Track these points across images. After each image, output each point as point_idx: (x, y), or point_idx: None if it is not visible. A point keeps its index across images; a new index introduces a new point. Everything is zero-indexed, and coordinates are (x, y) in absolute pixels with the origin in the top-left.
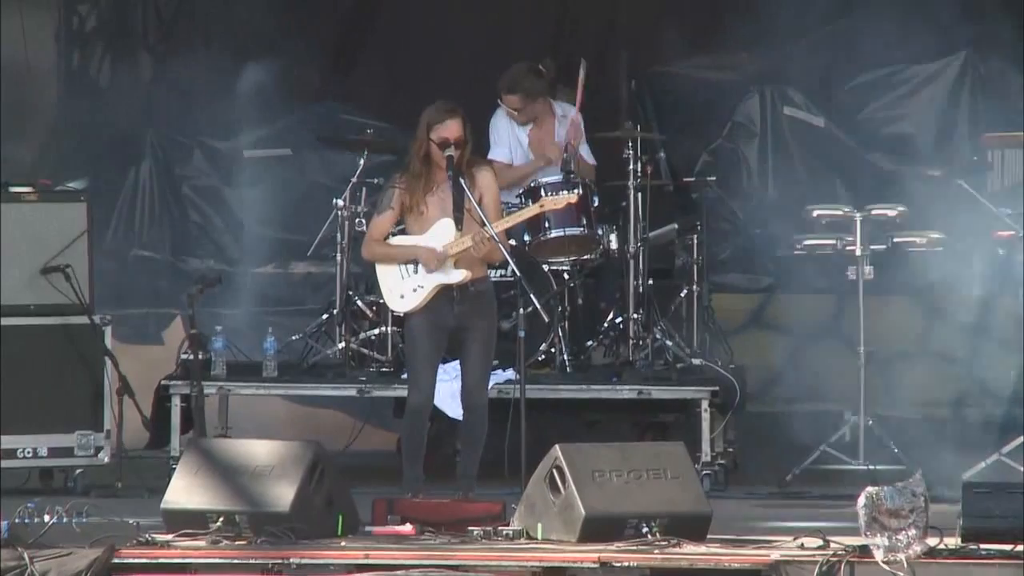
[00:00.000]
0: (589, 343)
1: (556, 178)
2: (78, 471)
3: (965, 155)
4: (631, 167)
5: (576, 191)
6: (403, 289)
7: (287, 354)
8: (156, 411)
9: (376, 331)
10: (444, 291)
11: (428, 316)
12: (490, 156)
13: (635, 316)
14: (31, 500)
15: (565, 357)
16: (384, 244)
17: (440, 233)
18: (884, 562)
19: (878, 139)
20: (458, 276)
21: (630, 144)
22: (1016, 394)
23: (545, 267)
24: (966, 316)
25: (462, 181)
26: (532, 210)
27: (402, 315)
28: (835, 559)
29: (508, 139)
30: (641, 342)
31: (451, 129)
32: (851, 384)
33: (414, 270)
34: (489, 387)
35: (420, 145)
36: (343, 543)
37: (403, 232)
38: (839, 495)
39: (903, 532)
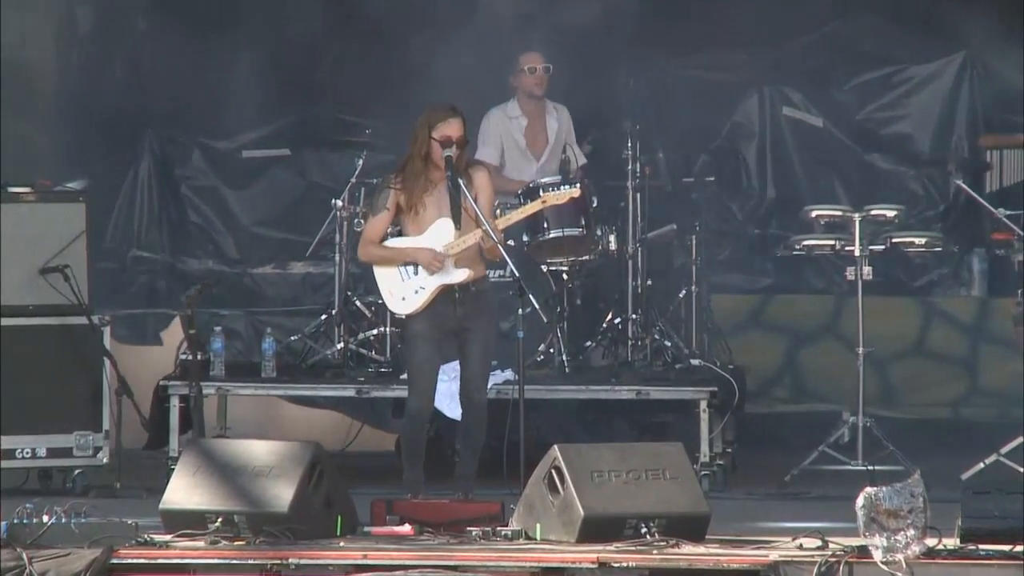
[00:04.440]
0: (588, 343)
1: (555, 179)
2: (77, 471)
3: (963, 155)
4: (630, 167)
5: (577, 185)
6: (404, 291)
7: (286, 354)
8: (155, 411)
9: (375, 331)
10: (446, 292)
11: (430, 319)
12: (477, 156)
13: (634, 316)
14: (30, 500)
15: (564, 357)
16: (381, 246)
17: (439, 233)
18: (883, 562)
19: (877, 139)
20: (460, 275)
21: (629, 144)
22: (1015, 394)
23: (544, 267)
24: (964, 316)
25: (462, 182)
26: (534, 206)
27: (403, 317)
28: (834, 559)
29: (498, 140)
30: (640, 342)
31: (454, 127)
32: (850, 384)
33: (414, 272)
34: (488, 387)
35: (420, 144)
36: (342, 543)
37: (399, 233)
38: (838, 495)
39: (902, 532)
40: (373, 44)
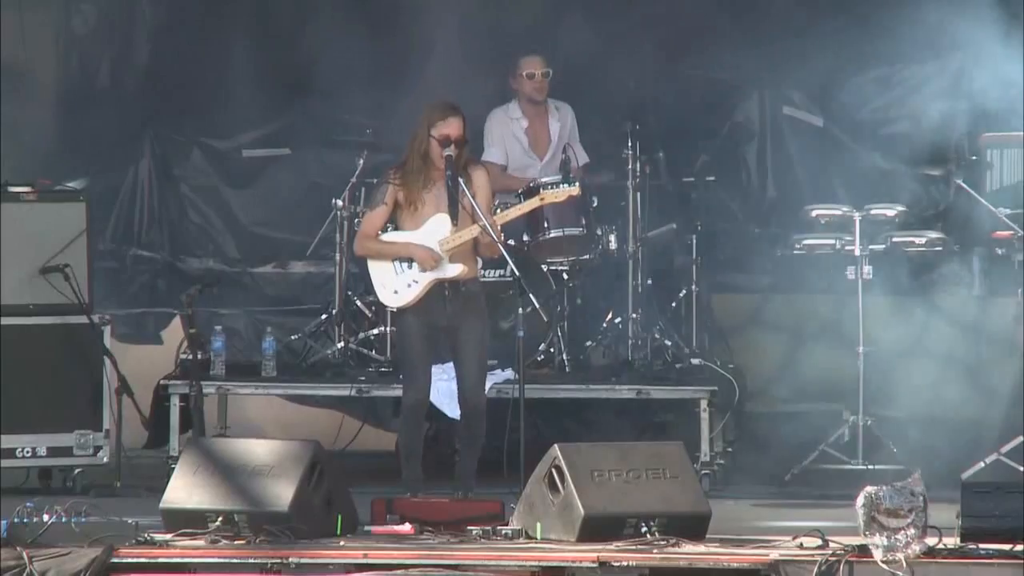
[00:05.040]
0: (588, 343)
1: (555, 178)
2: (77, 470)
3: (964, 154)
4: (630, 167)
5: (576, 184)
6: (397, 284)
7: (286, 354)
8: (155, 411)
9: (375, 331)
10: (437, 288)
11: (421, 314)
12: (484, 158)
13: (634, 316)
14: (30, 499)
15: (564, 357)
16: (377, 240)
17: (435, 228)
18: (883, 562)
19: (877, 138)
20: (454, 270)
21: (629, 144)
22: (1015, 394)
23: (544, 267)
24: (965, 316)
25: (460, 180)
26: (532, 203)
27: (394, 311)
28: (834, 559)
29: (503, 140)
30: (640, 342)
31: (453, 127)
32: (850, 384)
33: (408, 265)
34: (488, 387)
35: (420, 142)
36: (342, 543)
37: (395, 228)
38: (838, 495)
39: (902, 532)
40: (374, 43)
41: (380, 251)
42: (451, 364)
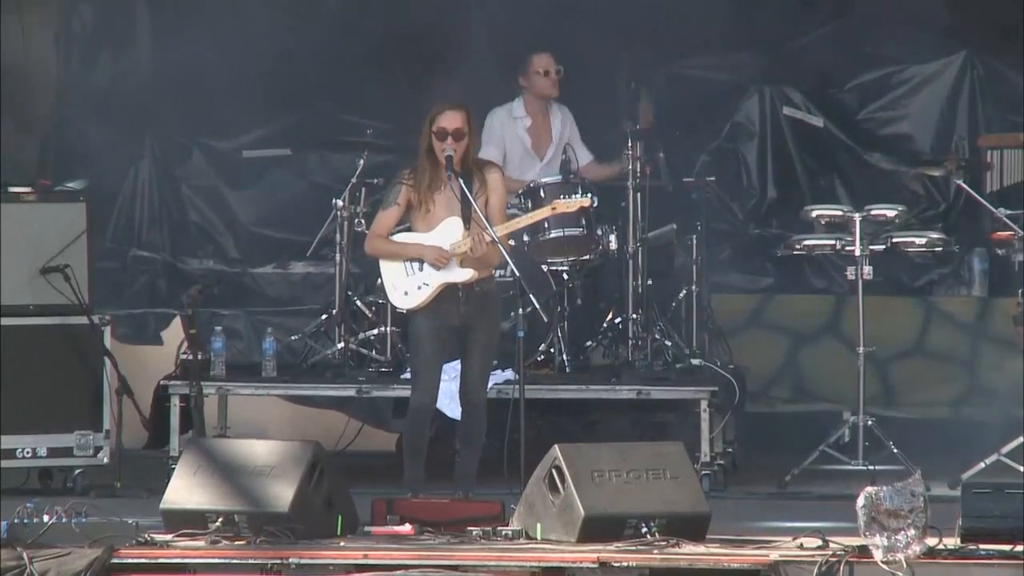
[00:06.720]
0: (588, 343)
1: (555, 178)
2: (77, 471)
3: (964, 155)
4: (630, 167)
5: (588, 195)
6: (407, 286)
7: (286, 354)
8: (155, 411)
9: (375, 331)
10: (449, 290)
11: (433, 316)
12: (480, 156)
13: (634, 316)
14: (30, 500)
15: (564, 357)
16: (389, 241)
17: (447, 231)
18: (883, 562)
19: (877, 139)
20: (464, 275)
21: (629, 144)
22: (1015, 394)
23: (544, 267)
24: (964, 316)
25: (461, 181)
26: (543, 212)
27: (405, 312)
28: (834, 559)
29: (501, 140)
30: (640, 342)
31: (449, 119)
32: (850, 384)
33: (419, 267)
34: (489, 387)
35: (424, 139)
36: (342, 543)
37: (407, 229)
38: (838, 495)
39: (902, 532)
40: (375, 43)
41: (390, 251)
42: (452, 365)
